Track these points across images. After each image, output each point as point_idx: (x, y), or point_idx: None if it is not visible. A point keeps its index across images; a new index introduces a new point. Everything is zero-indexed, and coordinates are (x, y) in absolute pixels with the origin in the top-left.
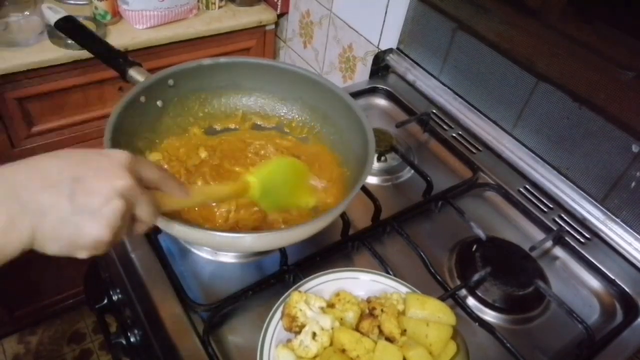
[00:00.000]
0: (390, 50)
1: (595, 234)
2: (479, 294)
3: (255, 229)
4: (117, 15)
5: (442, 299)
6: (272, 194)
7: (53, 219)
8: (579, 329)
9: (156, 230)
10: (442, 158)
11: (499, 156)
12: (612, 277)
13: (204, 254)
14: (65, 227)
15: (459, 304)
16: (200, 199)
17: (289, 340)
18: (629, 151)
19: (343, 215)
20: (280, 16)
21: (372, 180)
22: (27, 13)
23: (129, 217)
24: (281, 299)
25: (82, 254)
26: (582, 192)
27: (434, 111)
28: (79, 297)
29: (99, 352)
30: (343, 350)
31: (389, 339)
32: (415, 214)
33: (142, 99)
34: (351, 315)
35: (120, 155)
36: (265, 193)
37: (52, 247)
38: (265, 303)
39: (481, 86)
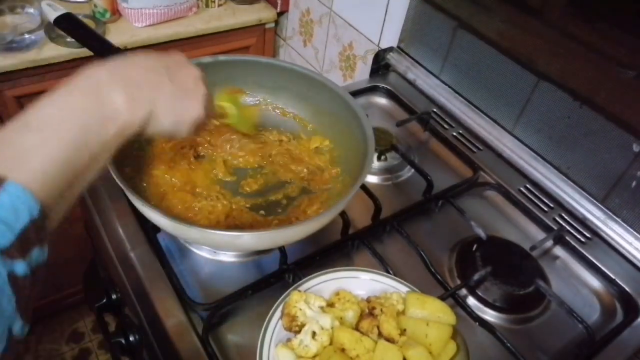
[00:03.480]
0: (390, 49)
1: (596, 234)
2: (479, 293)
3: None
4: (116, 13)
5: (442, 298)
6: (240, 117)
7: (164, 96)
8: (579, 328)
9: (155, 229)
10: (443, 157)
11: (499, 155)
12: (613, 276)
13: (203, 253)
14: (174, 104)
15: (459, 304)
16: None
17: (288, 340)
18: (629, 150)
19: (343, 214)
20: (280, 14)
21: (372, 179)
22: (26, 10)
23: (206, 116)
24: (281, 298)
25: (183, 130)
26: (583, 192)
27: (435, 110)
28: (78, 296)
29: (98, 351)
30: (343, 350)
31: (389, 340)
32: (416, 213)
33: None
34: (351, 315)
35: (182, 54)
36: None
37: (164, 121)
38: (265, 302)
39: (482, 85)
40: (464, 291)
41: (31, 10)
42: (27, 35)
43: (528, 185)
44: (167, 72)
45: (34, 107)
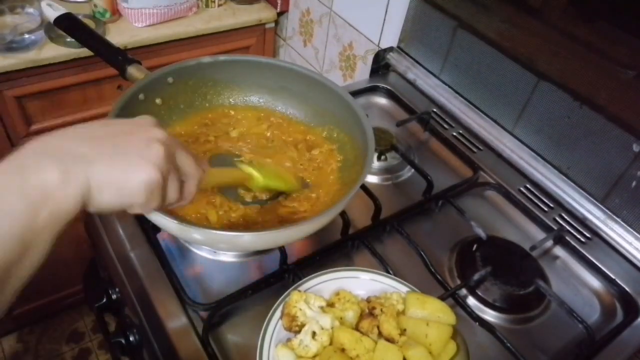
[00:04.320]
0: (390, 49)
1: (596, 234)
2: (479, 293)
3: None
4: (116, 13)
5: (442, 298)
6: (268, 182)
7: (102, 165)
8: (579, 328)
9: (155, 229)
10: (443, 157)
11: (499, 155)
12: (613, 276)
13: (203, 253)
14: (115, 171)
15: (459, 304)
16: (215, 180)
17: (288, 340)
18: (629, 150)
19: (343, 214)
20: (280, 14)
21: (372, 179)
22: (26, 10)
23: (174, 167)
24: (281, 298)
25: (138, 203)
26: (583, 192)
27: (435, 110)
28: (78, 296)
29: (98, 351)
30: (343, 350)
31: (389, 340)
32: (416, 213)
33: (141, 96)
34: (351, 315)
35: (149, 117)
36: (262, 186)
37: (106, 196)
38: (265, 302)
39: (482, 85)
40: (464, 291)
41: (31, 10)
42: (27, 35)
43: (528, 185)
44: (112, 138)
45: None
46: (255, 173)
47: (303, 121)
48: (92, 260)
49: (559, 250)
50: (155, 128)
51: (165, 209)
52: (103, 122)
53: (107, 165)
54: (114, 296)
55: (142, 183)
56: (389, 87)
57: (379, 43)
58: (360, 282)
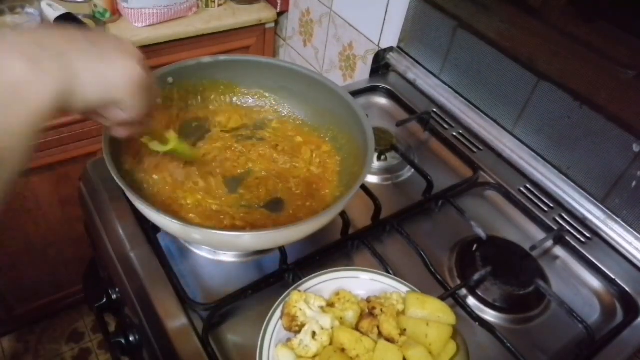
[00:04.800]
0: (390, 49)
1: (596, 234)
2: (479, 293)
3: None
4: (116, 13)
5: (442, 298)
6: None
7: (83, 53)
8: (579, 328)
9: (155, 229)
10: (443, 157)
11: (499, 155)
12: (613, 276)
13: (203, 253)
14: (98, 62)
15: (459, 304)
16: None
17: (288, 340)
18: (629, 150)
19: (343, 214)
20: (280, 14)
21: (372, 179)
22: (26, 10)
23: (148, 78)
24: (281, 298)
25: (123, 98)
26: (583, 192)
27: (435, 110)
28: (78, 296)
29: (98, 351)
30: (343, 350)
31: (389, 340)
32: (416, 213)
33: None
34: (351, 315)
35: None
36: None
37: (90, 87)
38: (265, 302)
39: (482, 85)
40: (464, 291)
41: (31, 10)
42: None
43: (528, 185)
44: (86, 36)
45: None
46: (172, 140)
47: (303, 121)
48: (92, 260)
49: (559, 250)
50: (129, 44)
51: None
52: (69, 28)
53: (87, 58)
54: (114, 296)
55: (129, 78)
56: (389, 87)
57: (379, 43)
58: (360, 282)
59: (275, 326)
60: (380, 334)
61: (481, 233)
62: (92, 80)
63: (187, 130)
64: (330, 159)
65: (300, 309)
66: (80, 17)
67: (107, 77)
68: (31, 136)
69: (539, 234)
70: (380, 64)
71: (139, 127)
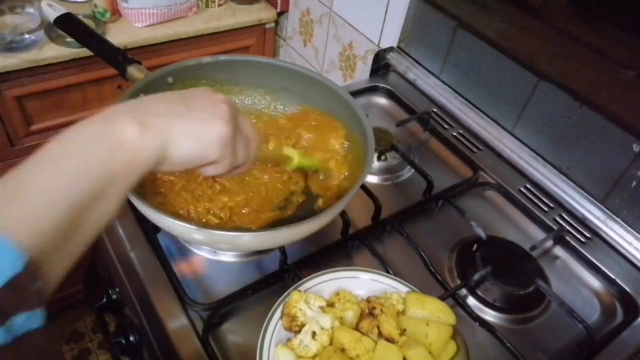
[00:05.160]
0: (390, 49)
1: (596, 234)
2: (479, 293)
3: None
4: (116, 13)
5: (442, 298)
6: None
7: (180, 120)
8: (579, 328)
9: (155, 229)
10: (443, 157)
11: (499, 155)
12: (613, 276)
13: (203, 253)
14: (193, 125)
15: (459, 304)
16: (263, 153)
17: (288, 340)
18: (629, 150)
19: (343, 214)
20: (280, 14)
21: (372, 179)
22: (26, 10)
23: (238, 128)
24: (281, 298)
25: (213, 157)
26: (583, 192)
27: (435, 110)
28: (78, 296)
29: (98, 351)
30: (343, 350)
31: (389, 340)
32: (416, 213)
33: (142, 96)
34: (351, 315)
35: (206, 87)
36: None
37: (186, 148)
38: (265, 302)
39: (482, 85)
40: (464, 291)
41: (31, 10)
42: (27, 35)
43: (528, 185)
44: (182, 99)
45: (50, 141)
46: (293, 155)
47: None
48: (92, 260)
49: (559, 250)
50: (216, 93)
51: (237, 174)
52: (168, 92)
53: (183, 121)
54: (114, 296)
55: (216, 135)
56: (389, 87)
57: (379, 43)
58: (360, 282)
59: (275, 326)
60: (380, 334)
61: (481, 233)
62: (186, 142)
63: None
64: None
65: (300, 309)
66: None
67: (198, 138)
68: (129, 183)
69: (539, 234)
70: (380, 64)
71: (240, 171)
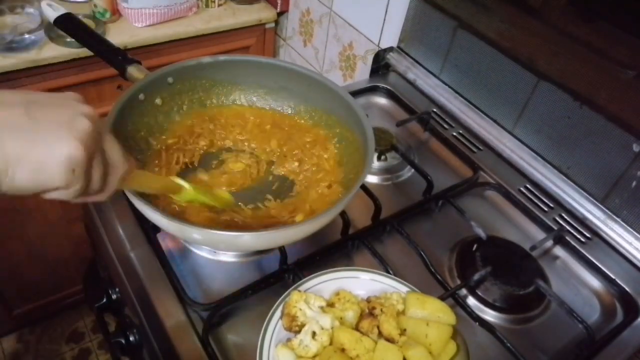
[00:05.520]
0: (390, 49)
1: (596, 234)
2: (479, 293)
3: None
4: (116, 13)
5: (442, 298)
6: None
7: (14, 136)
8: (579, 328)
9: (155, 229)
10: (443, 157)
11: (499, 155)
12: (613, 276)
13: (203, 253)
14: (30, 142)
15: (459, 304)
16: (139, 182)
17: (288, 340)
18: (629, 150)
19: (343, 214)
20: (280, 14)
21: (372, 179)
22: (26, 10)
23: (100, 149)
24: (281, 298)
25: (57, 185)
26: (583, 192)
27: (435, 110)
28: (78, 296)
29: (98, 351)
30: (343, 350)
31: (389, 340)
32: (416, 213)
33: (141, 96)
34: (351, 315)
35: (74, 93)
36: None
37: (19, 174)
38: (265, 302)
39: (482, 85)
40: (464, 291)
41: (31, 10)
42: (27, 35)
43: (528, 185)
44: (28, 107)
45: None
46: (186, 185)
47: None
48: (92, 260)
49: (559, 250)
50: (82, 103)
51: (90, 201)
52: (19, 89)
53: (20, 137)
54: (114, 296)
55: (63, 160)
56: (389, 87)
57: (379, 43)
58: (360, 282)
59: (275, 326)
60: (380, 334)
61: (481, 233)
62: (19, 168)
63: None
64: (329, 158)
65: (300, 309)
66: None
67: (41, 162)
68: None
69: (539, 234)
70: (380, 64)
71: (97, 198)
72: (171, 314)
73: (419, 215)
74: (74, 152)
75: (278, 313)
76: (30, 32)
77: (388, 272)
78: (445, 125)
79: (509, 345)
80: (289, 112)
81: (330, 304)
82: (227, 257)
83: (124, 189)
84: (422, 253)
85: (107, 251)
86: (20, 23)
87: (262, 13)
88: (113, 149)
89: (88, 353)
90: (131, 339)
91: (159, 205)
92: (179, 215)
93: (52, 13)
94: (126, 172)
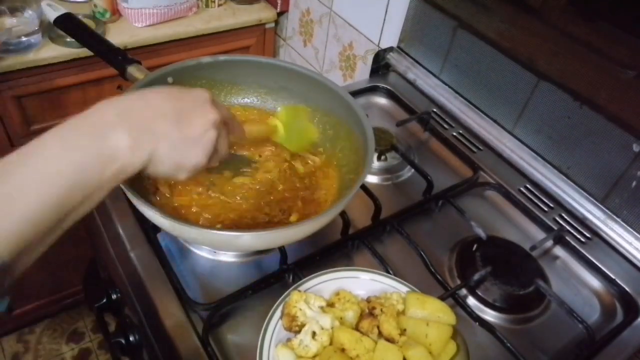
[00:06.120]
0: (390, 49)
1: (596, 234)
2: (479, 293)
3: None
4: (116, 13)
5: (442, 298)
6: (291, 134)
7: (166, 144)
8: (579, 328)
9: (155, 229)
10: (443, 157)
11: (499, 155)
12: (613, 276)
13: (203, 253)
14: (175, 152)
15: (459, 304)
16: (249, 137)
17: (288, 340)
18: (629, 150)
19: (343, 214)
20: (280, 14)
21: (372, 179)
22: (25, 12)
23: (224, 131)
24: (281, 298)
25: (182, 176)
26: (583, 192)
27: (435, 110)
28: (78, 296)
29: (98, 351)
30: (343, 350)
31: (389, 340)
32: (416, 213)
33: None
34: (351, 315)
35: (206, 93)
36: (287, 134)
37: (162, 167)
38: (265, 302)
39: (482, 85)
40: (464, 291)
41: (30, 12)
42: (24, 38)
43: (528, 185)
44: (178, 118)
45: (40, 137)
46: (280, 128)
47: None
48: (92, 260)
49: (559, 250)
50: (212, 107)
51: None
52: (166, 92)
53: (172, 146)
54: (114, 296)
55: (192, 166)
56: (389, 87)
57: (379, 43)
58: (360, 282)
59: (275, 326)
60: (380, 334)
61: (481, 233)
62: (166, 165)
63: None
64: (330, 159)
65: (300, 309)
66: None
67: (177, 164)
68: (110, 190)
69: (539, 234)
70: (380, 64)
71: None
72: (171, 314)
73: (419, 215)
74: (200, 162)
75: (278, 313)
76: (27, 35)
77: (388, 272)
78: (445, 125)
79: (509, 345)
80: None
81: (330, 304)
82: (227, 257)
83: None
84: (422, 253)
85: (107, 251)
86: (17, 26)
87: (262, 13)
88: (223, 143)
89: (88, 353)
90: (131, 339)
91: (158, 205)
92: (179, 215)
93: (52, 13)
94: (242, 132)
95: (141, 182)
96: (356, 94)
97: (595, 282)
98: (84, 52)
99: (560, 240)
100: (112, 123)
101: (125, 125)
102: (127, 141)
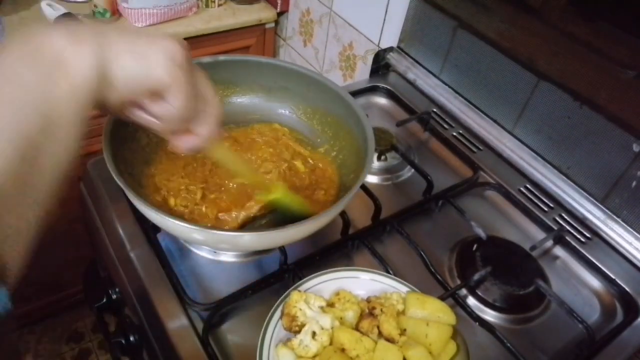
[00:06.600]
0: (390, 49)
1: (596, 234)
2: (479, 293)
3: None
4: (116, 13)
5: (442, 298)
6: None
7: (115, 35)
8: (579, 328)
9: (155, 229)
10: (443, 157)
11: (499, 155)
12: (613, 276)
13: (203, 253)
14: (131, 41)
15: (459, 304)
16: (222, 154)
17: (288, 340)
18: (629, 150)
19: (343, 214)
20: (280, 14)
21: (372, 179)
22: (26, 10)
23: (193, 79)
24: (281, 298)
25: (161, 74)
26: (583, 192)
27: (435, 110)
28: (78, 296)
29: (98, 351)
30: (343, 350)
31: (389, 340)
32: (416, 213)
33: None
34: (351, 315)
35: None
36: (278, 202)
37: (126, 62)
38: (265, 302)
39: (482, 85)
40: (464, 291)
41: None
42: None
43: (528, 185)
44: (127, 32)
45: None
46: (279, 190)
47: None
48: (92, 260)
49: (559, 250)
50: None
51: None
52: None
53: (126, 39)
54: (114, 296)
55: (167, 53)
56: (389, 87)
57: (379, 43)
58: (360, 282)
59: (275, 326)
60: (380, 334)
61: (481, 233)
62: (130, 57)
63: None
64: (330, 159)
65: (300, 309)
66: (80, 17)
67: (146, 54)
68: (77, 111)
69: (539, 234)
70: (380, 64)
71: (200, 139)
72: (171, 314)
73: (419, 215)
74: (178, 50)
75: (278, 313)
76: None
77: (388, 272)
78: (445, 125)
79: (509, 345)
80: (288, 112)
81: (330, 304)
82: (227, 257)
83: (214, 153)
84: (422, 253)
85: (107, 251)
86: (20, 23)
87: (262, 13)
88: (207, 86)
89: (88, 353)
90: (131, 339)
91: (158, 205)
92: (179, 215)
93: (52, 13)
94: (221, 115)
95: (141, 181)
96: (356, 94)
97: (595, 282)
98: None
99: (560, 240)
100: (41, 34)
101: (57, 29)
102: (66, 40)
